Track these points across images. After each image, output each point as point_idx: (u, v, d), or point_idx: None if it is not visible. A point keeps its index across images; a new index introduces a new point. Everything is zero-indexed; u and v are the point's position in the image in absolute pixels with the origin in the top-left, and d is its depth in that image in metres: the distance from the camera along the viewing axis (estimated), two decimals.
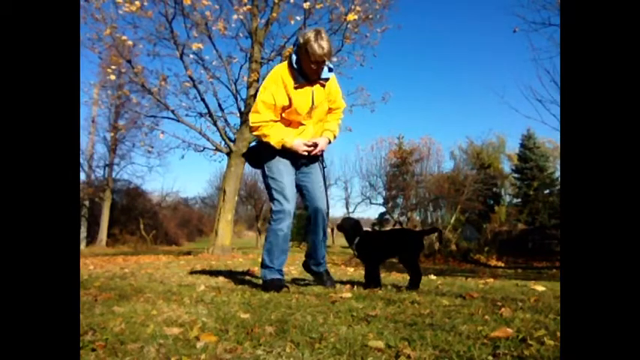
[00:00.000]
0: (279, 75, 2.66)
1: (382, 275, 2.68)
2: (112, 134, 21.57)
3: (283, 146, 2.69)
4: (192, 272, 4.05)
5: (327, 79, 2.75)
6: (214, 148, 9.99)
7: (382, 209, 26.15)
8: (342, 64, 9.94)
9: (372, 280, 2.79)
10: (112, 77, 9.73)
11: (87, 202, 22.09)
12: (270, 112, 2.68)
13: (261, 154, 2.83)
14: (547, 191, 26.77)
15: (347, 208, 28.71)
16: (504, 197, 30.65)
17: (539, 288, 2.79)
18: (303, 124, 2.77)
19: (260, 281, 2.91)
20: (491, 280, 3.76)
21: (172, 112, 9.65)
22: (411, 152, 24.89)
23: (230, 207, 9.59)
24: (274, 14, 9.21)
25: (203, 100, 9.64)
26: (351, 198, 29.09)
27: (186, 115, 9.89)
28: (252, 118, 2.71)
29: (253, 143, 2.98)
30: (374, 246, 2.85)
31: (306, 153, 2.74)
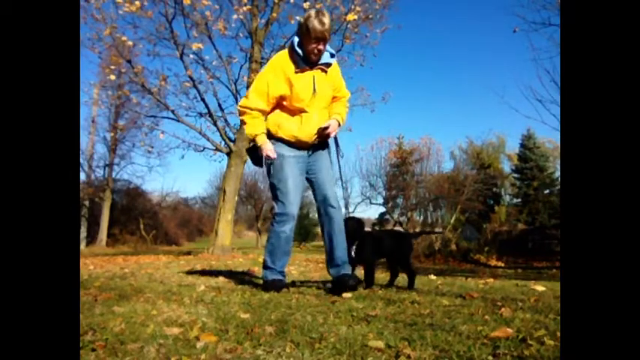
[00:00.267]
0: (279, 63, 2.64)
1: (382, 275, 2.68)
2: (112, 134, 21.57)
3: (287, 139, 2.69)
4: (192, 272, 4.05)
5: (328, 65, 2.71)
6: (214, 148, 9.98)
7: (382, 209, 26.13)
8: (342, 64, 9.93)
9: (371, 281, 2.80)
10: (112, 77, 9.73)
11: (87, 202, 22.08)
12: (260, 101, 2.65)
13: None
14: (547, 191, 26.75)
15: (347, 209, 28.63)
16: (504, 197, 30.64)
17: (539, 288, 2.79)
18: (306, 111, 2.68)
19: (260, 281, 2.91)
20: (491, 280, 3.76)
21: (172, 112, 9.64)
22: (411, 152, 24.86)
23: (230, 207, 9.59)
24: (274, 14, 9.21)
25: (203, 100, 9.64)
26: (351, 198, 29.09)
27: (186, 115, 9.90)
28: (241, 102, 2.75)
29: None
30: (373, 247, 2.85)
31: (270, 160, 2.67)
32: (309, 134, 2.68)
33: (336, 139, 2.86)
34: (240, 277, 3.53)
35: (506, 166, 31.47)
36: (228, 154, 9.74)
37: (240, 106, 2.72)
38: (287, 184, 2.66)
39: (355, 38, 9.71)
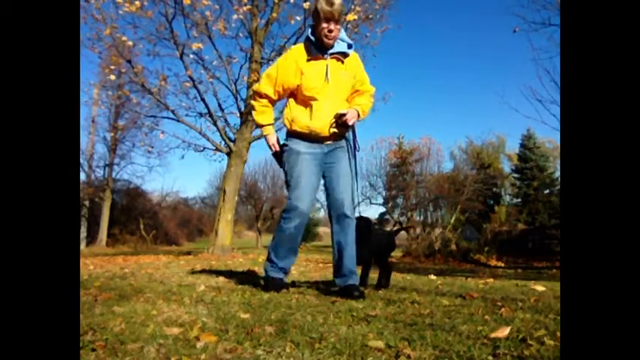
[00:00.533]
0: (293, 52, 2.65)
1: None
2: (112, 134, 21.57)
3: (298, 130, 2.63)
4: (192, 272, 4.05)
5: (344, 54, 2.62)
6: (214, 148, 9.98)
7: (382, 209, 26.14)
8: None
9: (366, 281, 2.80)
10: (112, 77, 9.73)
11: (87, 202, 22.07)
12: (269, 86, 2.66)
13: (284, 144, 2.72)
14: (547, 191, 26.76)
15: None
16: (504, 197, 30.66)
17: (539, 288, 2.79)
18: (316, 99, 2.57)
19: (261, 281, 2.91)
20: (491, 280, 3.76)
21: (172, 112, 9.64)
22: (411, 152, 24.89)
23: (230, 207, 9.59)
24: (274, 14, 9.20)
25: (203, 100, 9.63)
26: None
27: (186, 115, 9.89)
28: (254, 86, 2.81)
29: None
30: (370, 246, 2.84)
31: (273, 151, 2.66)
32: (322, 124, 2.57)
33: (353, 131, 2.71)
34: (240, 277, 3.53)
35: (506, 166, 31.53)
36: (228, 154, 9.74)
37: (253, 90, 2.78)
38: (298, 180, 2.58)
39: (355, 38, 9.68)
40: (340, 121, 2.55)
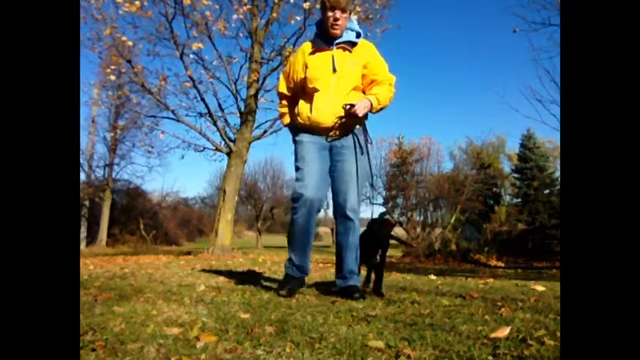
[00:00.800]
0: (302, 47, 2.67)
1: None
2: (112, 134, 21.56)
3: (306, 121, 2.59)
4: (192, 272, 4.04)
5: (351, 43, 2.53)
6: (214, 148, 9.97)
7: (382, 209, 26.14)
8: None
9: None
10: (112, 77, 9.73)
11: (87, 202, 22.06)
12: (283, 85, 2.74)
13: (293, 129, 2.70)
14: (547, 191, 26.76)
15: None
16: (504, 197, 30.65)
17: (539, 288, 2.79)
18: (317, 90, 2.50)
19: (262, 281, 2.91)
20: (491, 280, 3.76)
21: (172, 112, 9.63)
22: (411, 152, 24.86)
23: (230, 207, 9.58)
24: (274, 14, 9.19)
25: (203, 100, 9.62)
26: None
27: (186, 115, 9.88)
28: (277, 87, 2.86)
29: None
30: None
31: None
32: (322, 115, 2.48)
33: (364, 124, 2.56)
34: (241, 277, 3.53)
35: (506, 166, 31.54)
36: (228, 154, 9.73)
37: (278, 90, 2.83)
38: (303, 168, 2.50)
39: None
40: (348, 111, 2.43)
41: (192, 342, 1.38)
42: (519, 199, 28.00)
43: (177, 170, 74.60)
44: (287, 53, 8.74)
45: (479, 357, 1.23)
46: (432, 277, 3.93)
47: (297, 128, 2.64)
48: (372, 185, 2.65)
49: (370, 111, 2.51)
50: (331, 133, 2.53)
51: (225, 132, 9.83)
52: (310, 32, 7.88)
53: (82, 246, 19.80)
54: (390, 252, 3.03)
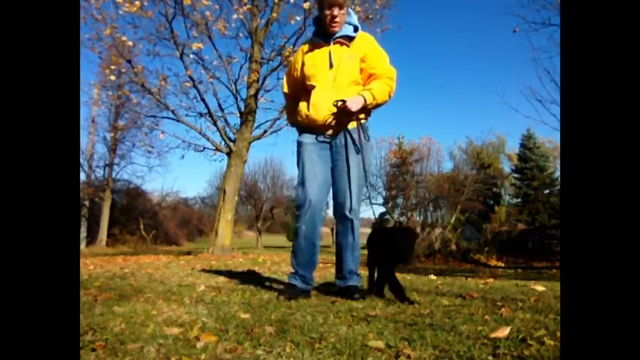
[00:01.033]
0: (302, 46, 2.68)
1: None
2: (112, 134, 21.55)
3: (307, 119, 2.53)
4: (192, 272, 4.04)
5: (348, 37, 2.47)
6: (214, 148, 9.97)
7: (382, 209, 26.13)
8: None
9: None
10: (112, 77, 9.73)
11: (87, 202, 22.06)
12: (285, 83, 2.76)
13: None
14: (547, 191, 26.76)
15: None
16: (504, 197, 30.66)
17: (539, 288, 2.79)
18: (314, 87, 2.46)
19: (260, 281, 2.91)
20: (491, 280, 3.76)
21: (172, 112, 9.63)
22: (411, 152, 24.87)
23: (230, 207, 9.58)
24: (274, 14, 9.19)
25: (203, 100, 9.62)
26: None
27: (186, 115, 9.88)
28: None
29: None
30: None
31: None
32: (319, 112, 2.44)
33: (359, 120, 2.46)
34: (241, 277, 3.53)
35: (506, 166, 31.56)
36: (228, 154, 9.73)
37: (282, 93, 2.86)
38: (303, 171, 2.48)
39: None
40: (340, 108, 2.37)
41: (192, 342, 1.39)
42: (519, 199, 28.01)
43: (177, 170, 74.73)
44: (287, 53, 8.74)
45: (479, 357, 1.23)
46: (432, 277, 3.93)
47: (299, 128, 2.63)
48: (366, 184, 2.57)
49: (365, 107, 2.43)
50: (328, 133, 2.51)
51: (225, 132, 9.83)
52: (310, 32, 7.94)
53: (82, 246, 19.80)
54: None
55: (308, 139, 2.53)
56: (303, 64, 2.54)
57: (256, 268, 4.59)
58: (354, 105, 2.36)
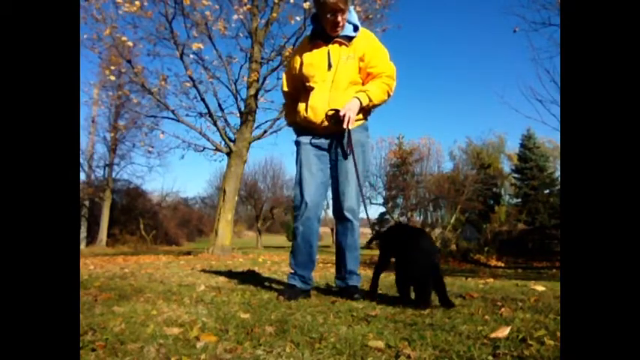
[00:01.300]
0: (301, 42, 2.67)
1: (382, 275, 2.63)
2: (112, 134, 21.57)
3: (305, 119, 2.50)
4: (192, 272, 4.04)
5: (348, 37, 2.42)
6: (214, 148, 9.97)
7: (382, 209, 26.14)
8: None
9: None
10: (112, 77, 9.73)
11: (87, 202, 22.08)
12: (285, 81, 2.71)
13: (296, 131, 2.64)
14: (547, 191, 26.76)
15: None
16: (504, 197, 30.67)
17: (539, 288, 2.79)
18: (313, 88, 2.43)
19: (260, 281, 2.91)
20: (491, 280, 3.76)
21: (172, 112, 9.63)
22: (411, 152, 24.90)
23: (230, 207, 9.58)
24: (274, 14, 9.19)
25: (203, 100, 9.62)
26: None
27: (186, 115, 9.88)
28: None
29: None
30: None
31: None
32: (316, 114, 2.42)
33: (347, 127, 2.38)
34: (241, 277, 3.53)
35: (506, 166, 31.58)
36: (228, 154, 9.73)
37: (282, 92, 2.79)
38: (300, 172, 2.47)
39: None
40: (332, 118, 2.37)
41: (192, 342, 1.39)
42: (519, 199, 28.00)
43: (177, 170, 74.82)
44: (287, 53, 8.74)
45: (479, 357, 1.23)
46: None
47: (297, 128, 2.62)
48: (362, 184, 2.52)
49: (361, 109, 2.41)
50: (326, 134, 2.48)
51: (225, 132, 9.83)
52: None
53: (82, 246, 19.80)
54: None
55: (306, 139, 2.53)
56: (301, 63, 2.52)
57: (256, 268, 4.59)
58: (349, 113, 2.33)
